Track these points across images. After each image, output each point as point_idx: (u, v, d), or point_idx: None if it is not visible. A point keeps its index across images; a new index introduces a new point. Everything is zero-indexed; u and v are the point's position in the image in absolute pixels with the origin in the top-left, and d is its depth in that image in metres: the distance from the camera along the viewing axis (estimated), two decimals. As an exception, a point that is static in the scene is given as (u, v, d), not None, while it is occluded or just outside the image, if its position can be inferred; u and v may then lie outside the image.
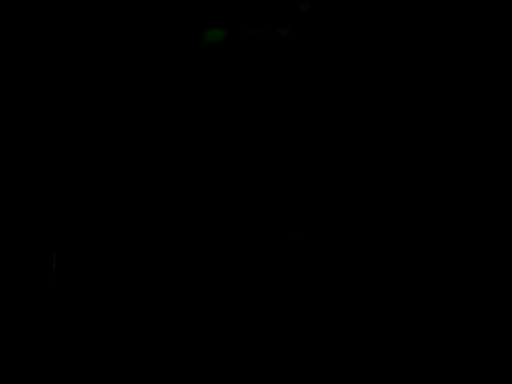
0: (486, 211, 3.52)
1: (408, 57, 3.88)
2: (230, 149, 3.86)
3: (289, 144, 4.02)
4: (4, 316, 3.27)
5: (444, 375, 3.09)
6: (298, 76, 4.14)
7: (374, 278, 3.36)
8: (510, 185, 3.55)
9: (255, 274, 3.36)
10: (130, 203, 3.64)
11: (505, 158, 3.59)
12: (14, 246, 3.44)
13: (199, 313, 3.28)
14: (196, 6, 4.30)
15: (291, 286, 3.34)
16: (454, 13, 3.76)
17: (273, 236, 3.39)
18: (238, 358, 3.15)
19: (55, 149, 3.64)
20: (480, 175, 3.57)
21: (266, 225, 3.46)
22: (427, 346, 3.22)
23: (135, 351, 3.17)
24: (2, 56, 3.60)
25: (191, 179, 3.86)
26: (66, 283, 3.38)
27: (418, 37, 3.83)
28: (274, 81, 4.13)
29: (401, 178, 3.46)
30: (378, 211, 3.50)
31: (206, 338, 3.22)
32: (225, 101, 4.14)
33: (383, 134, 3.60)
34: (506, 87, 3.56)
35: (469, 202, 3.54)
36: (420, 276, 3.37)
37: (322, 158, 3.74)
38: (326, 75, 4.11)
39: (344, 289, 3.31)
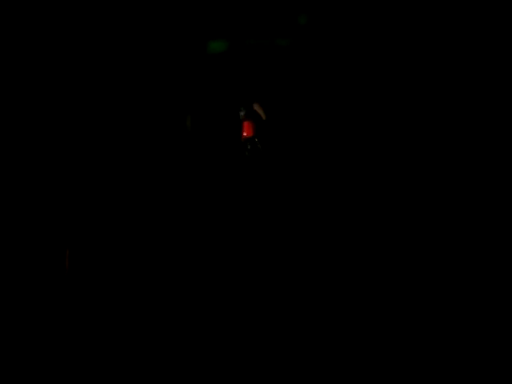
0: (486, 211, 3.55)
1: (404, 65, 3.96)
2: (231, 154, 4.06)
3: (288, 147, 4.18)
4: (18, 311, 3.35)
5: (444, 375, 3.14)
6: (297, 83, 4.25)
7: (374, 278, 3.45)
8: (510, 185, 3.58)
9: (255, 273, 3.46)
10: (133, 203, 3.76)
11: (505, 158, 3.63)
12: (29, 243, 3.52)
13: (199, 313, 3.38)
14: (200, 19, 4.41)
15: (291, 286, 3.43)
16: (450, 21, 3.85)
17: (273, 235, 3.62)
18: (238, 357, 3.23)
19: (61, 150, 3.75)
20: (480, 175, 3.59)
21: (266, 224, 3.70)
22: (427, 346, 3.29)
23: (140, 348, 3.26)
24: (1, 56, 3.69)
25: (191, 181, 4.00)
26: (79, 279, 3.47)
27: (413, 47, 3.90)
28: (275, 86, 4.24)
29: (401, 178, 3.60)
30: (378, 211, 3.58)
31: (206, 337, 3.32)
32: (227, 105, 4.27)
33: (379, 140, 3.73)
34: (506, 87, 3.67)
35: (469, 202, 3.57)
36: (420, 276, 3.43)
37: (320, 161, 3.91)
38: (324, 82, 4.22)
39: (344, 289, 3.39)
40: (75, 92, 3.83)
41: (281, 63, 4.27)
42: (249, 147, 4.20)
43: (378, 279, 3.38)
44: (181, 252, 3.54)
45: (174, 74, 4.22)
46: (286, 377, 3.16)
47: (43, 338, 3.25)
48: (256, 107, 4.26)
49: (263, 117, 4.21)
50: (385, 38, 3.87)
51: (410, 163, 3.60)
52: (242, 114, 4.26)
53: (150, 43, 4.18)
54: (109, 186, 3.72)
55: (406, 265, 3.41)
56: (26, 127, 3.69)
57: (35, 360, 3.16)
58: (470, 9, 3.70)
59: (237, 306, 3.30)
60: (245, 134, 4.17)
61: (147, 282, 3.48)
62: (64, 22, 3.82)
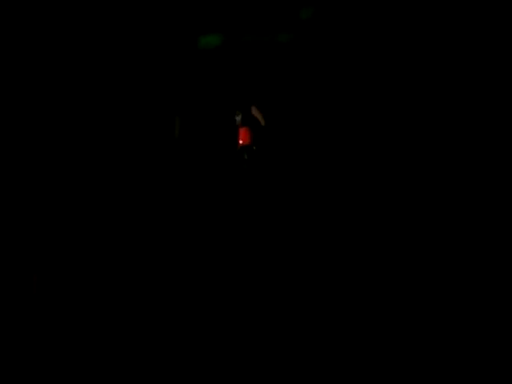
0: (486, 211, 3.62)
1: (410, 63, 3.87)
2: (227, 155, 3.86)
3: (290, 156, 3.96)
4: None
5: (444, 375, 3.14)
6: (299, 83, 4.02)
7: (373, 278, 3.46)
8: (510, 185, 3.65)
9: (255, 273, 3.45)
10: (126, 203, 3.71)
11: (505, 158, 3.68)
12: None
13: (199, 313, 3.38)
14: (192, 12, 4.10)
15: (291, 286, 3.45)
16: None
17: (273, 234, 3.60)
18: (237, 358, 3.21)
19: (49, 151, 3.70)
20: (480, 175, 3.65)
21: (266, 223, 3.66)
22: (427, 345, 3.27)
23: (135, 350, 3.24)
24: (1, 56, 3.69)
25: (177, 196, 3.83)
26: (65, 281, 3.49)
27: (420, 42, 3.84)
28: (275, 88, 4.01)
29: (401, 179, 3.64)
30: (378, 211, 3.60)
31: (206, 338, 3.28)
32: (220, 108, 4.04)
33: (379, 139, 3.71)
34: (506, 87, 3.73)
35: (468, 202, 3.63)
36: (420, 276, 3.45)
37: (320, 160, 3.80)
38: (329, 82, 4.00)
39: (344, 289, 3.41)
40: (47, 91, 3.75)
41: (281, 61, 4.02)
42: (246, 157, 3.98)
43: (377, 283, 3.43)
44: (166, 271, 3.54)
45: (160, 70, 3.95)
46: (286, 377, 3.17)
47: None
48: (254, 111, 4.00)
49: (262, 122, 3.98)
50: (397, 34, 3.82)
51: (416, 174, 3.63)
52: (238, 118, 4.02)
53: (134, 35, 3.93)
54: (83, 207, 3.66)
55: (405, 265, 3.48)
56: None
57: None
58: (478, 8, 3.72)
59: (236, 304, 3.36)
60: (241, 142, 3.95)
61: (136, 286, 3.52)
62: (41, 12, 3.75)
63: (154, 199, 3.78)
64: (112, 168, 3.82)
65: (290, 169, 3.97)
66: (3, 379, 3.15)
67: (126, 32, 3.90)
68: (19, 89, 3.76)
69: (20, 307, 3.45)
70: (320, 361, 3.22)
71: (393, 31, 3.88)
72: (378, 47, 3.90)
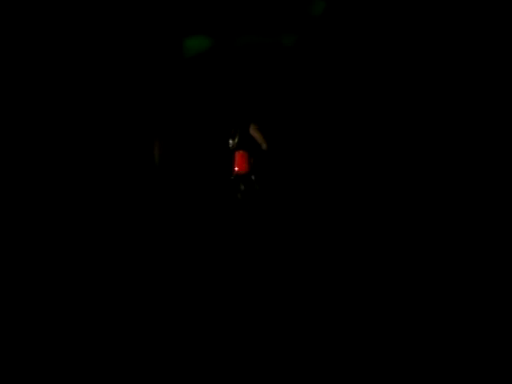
0: (486, 211, 3.68)
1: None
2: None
3: (297, 187, 3.79)
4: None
5: (444, 375, 3.26)
6: (309, 97, 3.77)
7: (373, 278, 3.56)
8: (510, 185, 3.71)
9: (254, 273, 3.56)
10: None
11: (505, 158, 3.73)
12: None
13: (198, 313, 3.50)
14: (175, 8, 3.72)
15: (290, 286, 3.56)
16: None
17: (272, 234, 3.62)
18: (237, 358, 3.30)
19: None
20: (480, 175, 3.72)
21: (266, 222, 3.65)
22: (427, 345, 3.36)
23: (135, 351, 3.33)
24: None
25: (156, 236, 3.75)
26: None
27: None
28: (279, 102, 3.77)
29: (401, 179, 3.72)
30: (378, 211, 3.69)
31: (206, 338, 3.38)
32: (211, 128, 3.80)
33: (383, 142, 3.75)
34: (506, 87, 3.76)
35: (468, 203, 3.70)
36: (420, 276, 3.55)
37: (320, 165, 3.74)
38: (345, 95, 3.77)
39: (343, 289, 3.53)
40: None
41: (286, 69, 3.73)
42: (242, 188, 3.71)
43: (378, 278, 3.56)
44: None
45: (135, 80, 3.71)
46: (286, 376, 3.28)
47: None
48: (253, 131, 3.68)
49: (263, 145, 3.67)
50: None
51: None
52: (233, 141, 3.72)
53: (101, 37, 3.70)
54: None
55: (405, 264, 3.59)
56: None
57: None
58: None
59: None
60: (237, 169, 3.68)
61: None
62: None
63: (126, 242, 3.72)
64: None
65: (297, 204, 3.76)
66: (3, 379, 3.28)
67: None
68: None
69: (20, 307, 3.51)
70: (320, 361, 3.32)
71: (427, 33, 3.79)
72: (409, 52, 3.77)
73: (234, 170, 3.69)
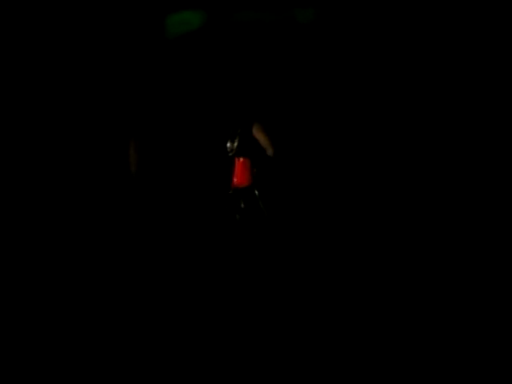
0: (486, 211, 3.84)
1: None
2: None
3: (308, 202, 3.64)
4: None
5: (444, 375, 3.23)
6: (325, 82, 3.54)
7: (373, 278, 3.60)
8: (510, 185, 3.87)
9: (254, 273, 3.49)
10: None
11: (505, 158, 3.87)
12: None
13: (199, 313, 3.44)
14: None
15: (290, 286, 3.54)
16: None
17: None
18: (237, 358, 3.27)
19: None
20: (480, 175, 3.87)
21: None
22: (427, 345, 3.36)
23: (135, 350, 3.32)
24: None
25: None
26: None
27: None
28: (289, 93, 3.54)
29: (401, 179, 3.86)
30: (378, 211, 3.79)
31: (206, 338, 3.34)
32: (204, 127, 3.50)
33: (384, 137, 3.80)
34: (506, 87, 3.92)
35: (468, 203, 3.87)
36: (420, 276, 3.62)
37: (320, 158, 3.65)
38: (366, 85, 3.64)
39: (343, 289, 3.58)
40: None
41: (299, 52, 3.45)
42: (242, 205, 3.41)
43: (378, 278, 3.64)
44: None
45: (108, 66, 3.46)
46: (286, 377, 3.23)
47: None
48: (256, 132, 3.26)
49: (269, 151, 3.27)
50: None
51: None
52: (231, 145, 3.33)
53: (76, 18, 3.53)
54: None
55: (404, 264, 3.71)
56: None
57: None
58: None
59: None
60: (236, 181, 3.36)
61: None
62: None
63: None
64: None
65: (307, 226, 3.62)
66: (3, 379, 3.34)
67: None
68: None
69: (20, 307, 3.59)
70: (320, 361, 3.30)
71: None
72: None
73: (232, 182, 3.32)
